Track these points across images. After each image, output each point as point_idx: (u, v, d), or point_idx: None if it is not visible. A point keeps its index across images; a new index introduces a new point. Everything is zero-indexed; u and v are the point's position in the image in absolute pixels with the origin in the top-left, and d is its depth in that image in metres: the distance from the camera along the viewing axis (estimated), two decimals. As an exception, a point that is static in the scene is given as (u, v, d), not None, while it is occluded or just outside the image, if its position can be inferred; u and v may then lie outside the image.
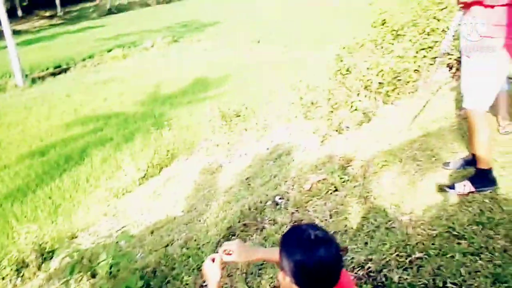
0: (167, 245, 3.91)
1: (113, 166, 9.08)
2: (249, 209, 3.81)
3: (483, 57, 2.43)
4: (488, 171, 2.69)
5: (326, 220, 3.05)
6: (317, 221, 3.08)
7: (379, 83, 4.57)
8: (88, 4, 46.87)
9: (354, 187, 3.32)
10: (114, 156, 9.61)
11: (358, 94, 4.73)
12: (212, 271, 1.55)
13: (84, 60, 21.30)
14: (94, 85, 16.82)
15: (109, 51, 22.15)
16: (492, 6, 2.34)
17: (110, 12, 42.53)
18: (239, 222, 3.65)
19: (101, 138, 11.24)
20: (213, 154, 6.68)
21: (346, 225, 2.87)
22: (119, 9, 43.46)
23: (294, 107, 5.94)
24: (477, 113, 2.55)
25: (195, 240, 3.72)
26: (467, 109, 2.61)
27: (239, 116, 8.26)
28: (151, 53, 21.67)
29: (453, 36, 3.51)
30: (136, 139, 10.63)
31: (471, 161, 2.87)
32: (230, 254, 1.57)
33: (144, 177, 7.52)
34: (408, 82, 4.75)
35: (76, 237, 5.89)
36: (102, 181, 8.32)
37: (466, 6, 2.50)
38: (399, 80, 4.75)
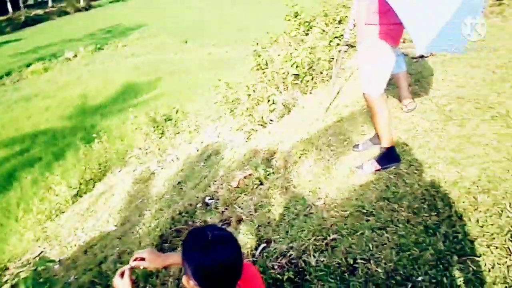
0: (101, 263, 3.84)
1: (44, 187, 8.67)
2: (181, 214, 3.83)
3: (370, 43, 2.61)
4: (391, 149, 2.90)
5: (251, 214, 3.14)
6: (243, 217, 3.16)
7: (295, 75, 4.73)
8: (0, 18, 43.77)
9: (277, 178, 3.44)
10: (44, 177, 9.16)
11: (277, 88, 4.86)
12: (122, 285, 1.57)
13: (1, 78, 19.94)
14: (15, 103, 15.82)
15: (28, 65, 20.86)
16: (373, -4, 2.51)
17: (25, 24, 39.87)
18: (170, 228, 3.65)
19: (29, 159, 10.66)
20: (146, 162, 6.59)
21: (269, 217, 2.97)
22: (36, 20, 40.90)
23: (220, 106, 5.99)
24: (374, 97, 2.73)
25: (128, 254, 3.68)
26: (365, 93, 2.79)
27: (171, 119, 8.20)
28: (74, 63, 20.72)
29: (353, 24, 3.72)
30: (67, 155, 10.23)
31: (377, 140, 3.08)
32: (143, 260, 1.61)
33: (76, 194, 7.27)
34: (322, 71, 4.96)
35: (7, 268, 5.58)
36: (33, 204, 7.92)
37: None
38: (314, 70, 4.95)
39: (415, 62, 4.68)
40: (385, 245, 2.27)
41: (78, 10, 43.25)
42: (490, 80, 3.78)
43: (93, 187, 7.42)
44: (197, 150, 5.58)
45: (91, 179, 7.70)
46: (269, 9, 20.81)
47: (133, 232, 4.12)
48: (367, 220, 2.48)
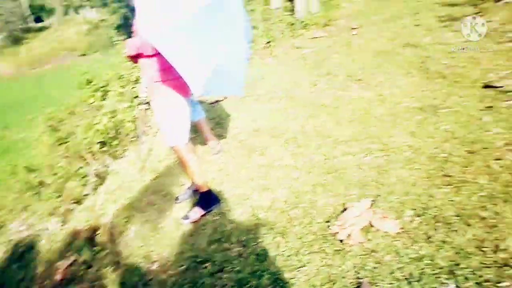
0: None
1: None
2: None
3: (161, 99, 2.71)
4: (209, 192, 3.02)
5: (85, 305, 2.82)
6: (76, 311, 2.82)
7: (101, 142, 4.55)
8: None
9: (106, 255, 3.19)
10: None
11: (84, 160, 4.58)
12: None
13: None
14: None
15: None
16: (153, 55, 2.62)
17: None
18: None
19: None
20: None
21: (105, 301, 2.72)
22: None
23: (23, 195, 5.28)
24: (180, 148, 2.82)
25: None
26: (171, 146, 2.87)
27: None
28: None
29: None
30: None
31: (195, 188, 3.17)
32: None
33: None
34: (128, 132, 4.90)
35: None
36: None
37: (134, 59, 2.74)
38: (120, 133, 4.85)
39: (213, 107, 5.05)
40: (226, 286, 2.32)
41: None
42: (276, 110, 4.35)
43: None
44: (6, 252, 4.75)
45: None
46: (58, 82, 19.65)
47: None
48: (205, 267, 2.50)
